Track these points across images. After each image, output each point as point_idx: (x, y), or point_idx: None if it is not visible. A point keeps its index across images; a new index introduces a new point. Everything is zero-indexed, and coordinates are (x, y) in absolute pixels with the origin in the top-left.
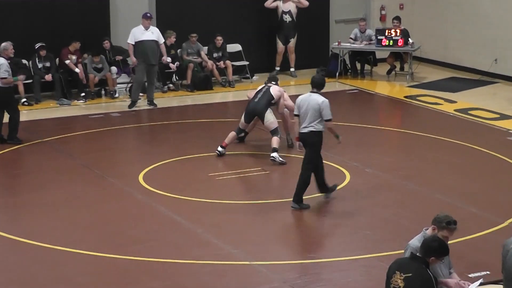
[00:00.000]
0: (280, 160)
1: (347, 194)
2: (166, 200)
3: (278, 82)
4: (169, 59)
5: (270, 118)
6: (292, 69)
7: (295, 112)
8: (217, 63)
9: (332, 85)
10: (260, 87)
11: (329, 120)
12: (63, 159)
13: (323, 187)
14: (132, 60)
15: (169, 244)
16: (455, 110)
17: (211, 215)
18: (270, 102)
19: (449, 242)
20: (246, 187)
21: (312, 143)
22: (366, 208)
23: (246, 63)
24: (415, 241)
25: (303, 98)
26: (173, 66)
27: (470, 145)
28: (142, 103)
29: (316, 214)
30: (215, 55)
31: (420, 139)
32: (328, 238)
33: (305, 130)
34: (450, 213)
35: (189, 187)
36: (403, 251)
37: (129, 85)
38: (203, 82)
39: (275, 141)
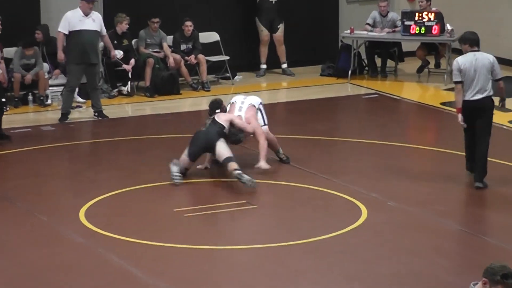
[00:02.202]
0: (245, 177)
1: (363, 236)
2: (117, 244)
3: (223, 105)
4: (119, 54)
5: (222, 146)
6: (284, 65)
7: (457, 79)
8: (187, 58)
9: (342, 88)
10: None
11: (501, 79)
12: None
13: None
14: (59, 56)
15: None
16: (511, 122)
17: (179, 265)
18: (222, 131)
19: None
20: (226, 228)
21: (490, 109)
22: (388, 255)
23: (226, 58)
24: None
25: (467, 60)
26: (127, 67)
27: None
28: (86, 114)
29: (322, 263)
30: (183, 47)
31: (462, 161)
32: None
33: (480, 96)
34: (506, 262)
35: (148, 227)
36: None
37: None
38: (167, 84)
39: (233, 165)
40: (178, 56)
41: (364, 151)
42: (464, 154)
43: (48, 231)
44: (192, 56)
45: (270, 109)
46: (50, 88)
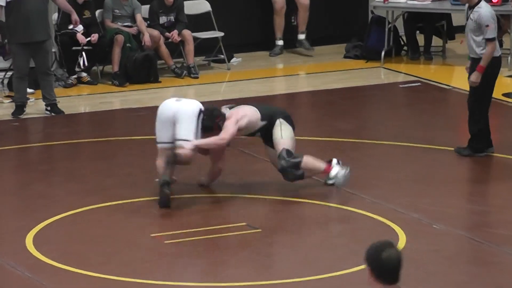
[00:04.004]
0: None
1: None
2: (76, 280)
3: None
4: (79, 28)
5: None
6: (302, 36)
7: (495, 35)
8: (167, 35)
9: (374, 74)
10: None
11: None
12: None
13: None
14: None
15: None
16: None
17: None
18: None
19: None
20: (220, 258)
21: None
22: None
23: (220, 34)
24: None
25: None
26: (81, 38)
27: None
28: (35, 108)
29: None
30: (163, 19)
31: None
32: None
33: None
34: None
35: (117, 259)
36: None
37: (7, 74)
38: (142, 69)
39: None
40: (156, 32)
41: (401, 157)
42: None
43: None
44: (175, 32)
45: (277, 102)
46: None
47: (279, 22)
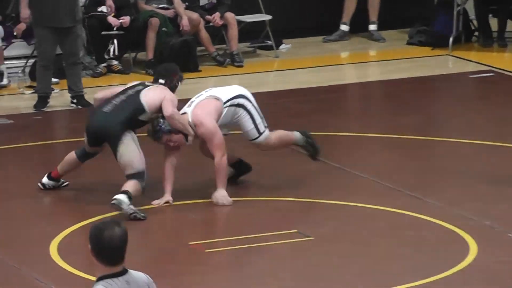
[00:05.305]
0: (132, 211)
1: (472, 283)
2: None
3: (177, 75)
4: (108, 10)
5: (130, 150)
6: (373, 26)
7: None
8: (208, 18)
9: (440, 62)
10: (130, 84)
11: None
12: None
13: None
14: (22, 14)
15: None
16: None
17: None
18: (136, 116)
19: None
20: (268, 270)
21: None
22: None
23: (267, 17)
24: None
25: None
26: (114, 21)
27: None
28: (60, 100)
29: None
30: (203, 1)
31: None
32: None
33: None
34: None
35: (153, 269)
36: None
37: (29, 62)
38: (180, 56)
39: (131, 185)
40: (195, 15)
41: (472, 156)
42: None
43: (4, 273)
44: (217, 15)
45: (330, 94)
46: (6, 62)
47: (350, 6)
